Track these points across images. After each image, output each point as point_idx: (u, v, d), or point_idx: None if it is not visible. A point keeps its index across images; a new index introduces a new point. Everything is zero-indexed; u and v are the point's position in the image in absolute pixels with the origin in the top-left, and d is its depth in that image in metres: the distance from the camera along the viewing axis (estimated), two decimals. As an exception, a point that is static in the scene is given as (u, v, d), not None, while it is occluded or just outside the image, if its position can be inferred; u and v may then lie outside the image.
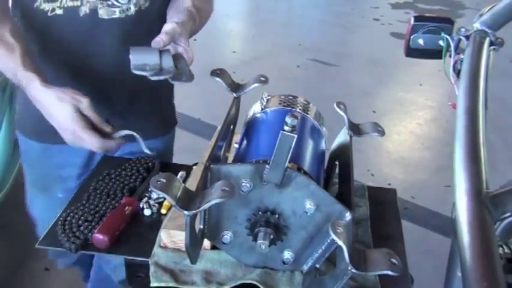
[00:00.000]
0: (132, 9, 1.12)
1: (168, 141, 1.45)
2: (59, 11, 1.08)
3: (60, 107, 0.96)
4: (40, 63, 1.08)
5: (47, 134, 1.07)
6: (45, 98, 0.98)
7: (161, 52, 0.98)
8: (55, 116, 0.98)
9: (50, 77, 1.03)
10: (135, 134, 1.03)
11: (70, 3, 1.08)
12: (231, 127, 1.08)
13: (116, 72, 1.15)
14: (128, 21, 1.13)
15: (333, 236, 0.71)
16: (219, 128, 1.01)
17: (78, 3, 1.08)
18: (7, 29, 1.03)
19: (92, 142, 0.97)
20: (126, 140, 1.03)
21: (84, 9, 1.08)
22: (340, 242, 0.71)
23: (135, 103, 1.29)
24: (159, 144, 1.36)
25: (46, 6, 1.07)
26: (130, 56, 0.94)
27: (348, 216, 0.82)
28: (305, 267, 0.91)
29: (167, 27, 1.01)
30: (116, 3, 1.10)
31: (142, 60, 0.94)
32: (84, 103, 0.97)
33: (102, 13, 1.09)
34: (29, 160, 1.38)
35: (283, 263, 0.91)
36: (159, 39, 0.99)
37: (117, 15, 1.11)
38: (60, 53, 1.16)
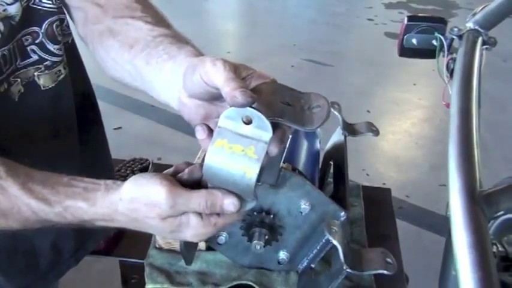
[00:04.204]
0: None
1: None
2: None
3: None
4: None
5: None
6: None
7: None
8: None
9: None
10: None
11: None
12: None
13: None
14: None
15: (328, 236, 0.71)
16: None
17: (5, 86, 0.71)
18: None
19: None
20: None
21: (18, 89, 0.73)
22: (335, 242, 0.71)
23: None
24: None
25: None
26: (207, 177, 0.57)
27: (342, 215, 0.83)
28: (300, 267, 0.91)
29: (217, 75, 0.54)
30: (54, 57, 0.76)
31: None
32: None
33: (44, 81, 0.76)
34: None
35: (279, 263, 0.91)
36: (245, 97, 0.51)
37: (63, 74, 0.79)
38: None
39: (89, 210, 0.59)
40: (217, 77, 0.54)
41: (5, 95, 0.72)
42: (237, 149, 0.53)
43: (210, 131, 0.59)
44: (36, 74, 0.75)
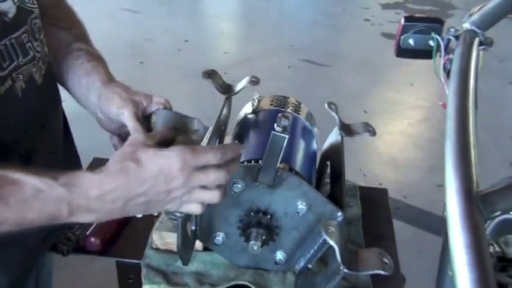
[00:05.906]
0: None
1: None
2: None
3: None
4: None
5: None
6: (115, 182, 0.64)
7: None
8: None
9: None
10: None
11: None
12: (223, 128, 1.08)
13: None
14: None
15: (325, 236, 0.71)
16: (211, 128, 1.01)
17: (10, 82, 0.73)
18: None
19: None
20: None
21: (20, 85, 0.75)
22: (331, 242, 0.71)
23: None
24: None
25: None
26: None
27: (339, 216, 0.83)
28: (297, 268, 0.91)
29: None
30: (38, 54, 0.80)
31: None
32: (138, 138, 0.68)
33: (38, 77, 0.80)
34: None
35: (276, 263, 0.91)
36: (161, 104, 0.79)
37: (45, 68, 0.82)
38: None
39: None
40: (128, 124, 0.75)
41: (11, 91, 0.73)
42: None
43: (121, 139, 0.80)
44: (33, 69, 0.78)
